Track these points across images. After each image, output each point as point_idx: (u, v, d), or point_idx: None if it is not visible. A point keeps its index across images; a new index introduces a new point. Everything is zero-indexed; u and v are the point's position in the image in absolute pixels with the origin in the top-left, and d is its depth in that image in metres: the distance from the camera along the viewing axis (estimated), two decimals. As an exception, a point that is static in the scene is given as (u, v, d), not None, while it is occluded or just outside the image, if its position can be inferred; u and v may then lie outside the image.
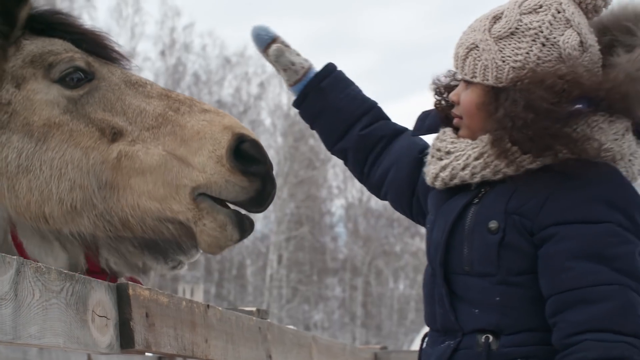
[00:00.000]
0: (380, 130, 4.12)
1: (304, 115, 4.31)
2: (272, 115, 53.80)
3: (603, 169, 3.47)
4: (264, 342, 5.20)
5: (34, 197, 3.90)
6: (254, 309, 5.44)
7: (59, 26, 4.23)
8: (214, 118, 3.93)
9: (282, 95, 53.68)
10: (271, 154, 52.47)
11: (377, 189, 4.18)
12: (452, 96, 3.68)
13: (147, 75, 49.42)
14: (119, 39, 48.28)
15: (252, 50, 62.61)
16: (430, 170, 3.69)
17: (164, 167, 3.85)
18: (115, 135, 3.92)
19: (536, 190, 3.44)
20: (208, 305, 4.38)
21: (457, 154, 3.61)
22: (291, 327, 6.50)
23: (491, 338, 3.48)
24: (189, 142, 3.85)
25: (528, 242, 3.45)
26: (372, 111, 4.17)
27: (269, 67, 52.42)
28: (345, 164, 4.31)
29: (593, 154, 3.41)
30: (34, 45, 4.12)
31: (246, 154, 3.86)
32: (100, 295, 3.44)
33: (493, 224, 3.49)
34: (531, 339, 3.45)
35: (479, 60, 3.55)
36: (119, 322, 3.56)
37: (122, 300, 3.58)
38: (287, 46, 4.24)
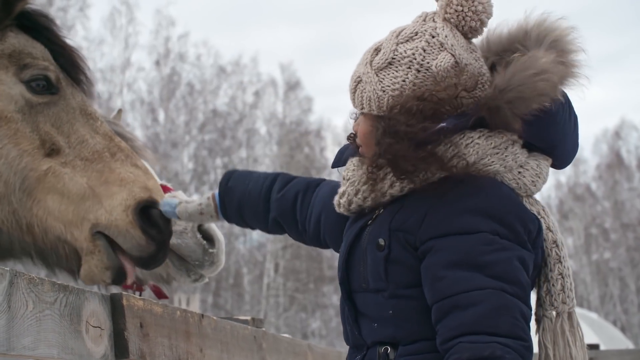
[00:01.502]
0: (294, 188, 4.28)
1: (229, 216, 4.41)
2: (268, 123, 53.74)
3: (480, 182, 3.55)
4: (259, 351, 5.20)
5: None
6: (249, 317, 5.45)
7: (44, 31, 4.42)
8: (140, 175, 4.20)
9: (278, 104, 53.71)
10: (267, 162, 52.47)
11: (317, 240, 4.30)
12: (354, 127, 3.84)
13: (141, 85, 49.43)
14: (113, 49, 48.16)
15: (247, 59, 62.18)
16: (335, 198, 3.87)
17: (80, 197, 4.09)
18: (52, 151, 4.14)
19: (417, 207, 3.56)
20: (202, 315, 4.38)
21: (352, 179, 3.78)
22: (286, 335, 6.50)
23: (389, 349, 3.61)
24: (110, 185, 4.12)
25: (413, 256, 3.55)
26: (278, 178, 4.35)
27: (264, 76, 51.96)
28: (288, 234, 4.45)
29: (461, 171, 3.52)
30: (16, 40, 4.32)
31: (152, 219, 4.13)
32: (94, 306, 3.45)
33: (381, 241, 3.61)
34: (426, 347, 3.52)
35: (364, 92, 3.69)
36: (113, 333, 3.56)
37: (116, 311, 3.59)
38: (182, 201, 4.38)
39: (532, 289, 3.67)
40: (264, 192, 4.31)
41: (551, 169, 3.84)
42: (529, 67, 3.54)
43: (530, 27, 3.75)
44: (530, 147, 3.72)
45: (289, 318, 49.97)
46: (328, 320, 53.90)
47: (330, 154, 55.46)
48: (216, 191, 4.41)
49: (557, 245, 3.72)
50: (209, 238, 4.95)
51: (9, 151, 4.11)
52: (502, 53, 3.77)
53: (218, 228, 5.06)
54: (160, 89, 50.39)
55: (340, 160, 4.05)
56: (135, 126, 46.07)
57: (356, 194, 3.75)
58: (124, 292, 3.66)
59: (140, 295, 4.44)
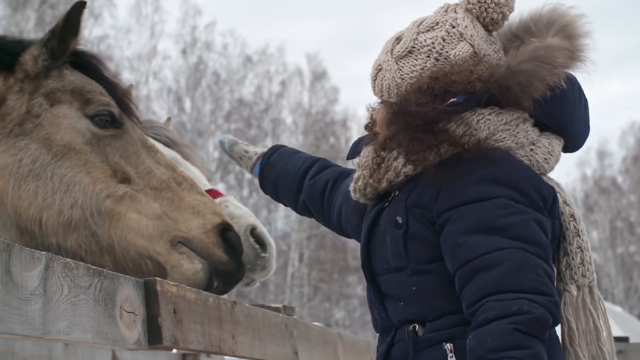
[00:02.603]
0: (326, 176, 4.44)
1: (266, 188, 4.72)
2: (294, 113, 53.75)
3: (492, 153, 3.60)
4: (290, 339, 5.19)
5: (36, 201, 4.21)
6: (280, 305, 5.43)
7: (96, 69, 4.65)
8: (208, 202, 4.42)
9: (304, 94, 53.70)
10: (292, 152, 52.38)
11: (339, 229, 4.46)
12: (373, 115, 3.91)
13: (167, 74, 49.47)
14: (139, 38, 48.35)
15: (274, 48, 62.41)
16: (351, 185, 3.95)
17: (157, 217, 4.24)
18: (124, 180, 4.32)
19: (432, 182, 3.60)
20: (235, 302, 4.37)
21: (366, 164, 3.85)
22: (317, 324, 6.48)
23: (417, 327, 3.63)
24: (183, 212, 4.31)
25: (431, 231, 3.60)
26: (317, 163, 4.53)
27: (291, 66, 52.08)
28: (315, 218, 4.61)
29: (473, 147, 3.58)
30: (74, 78, 4.52)
31: (229, 241, 4.35)
32: (128, 291, 3.43)
33: (398, 219, 3.67)
34: (453, 321, 3.54)
35: (384, 80, 3.80)
36: (146, 318, 3.55)
37: (150, 296, 3.58)
38: (239, 141, 4.82)
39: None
40: (300, 174, 4.47)
41: (571, 161, 3.86)
42: (540, 52, 3.62)
43: (541, 14, 3.84)
44: (541, 127, 3.78)
45: (313, 308, 50.03)
46: (352, 310, 53.94)
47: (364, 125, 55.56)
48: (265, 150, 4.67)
49: (574, 219, 3.76)
50: (261, 243, 5.03)
51: (81, 179, 4.26)
52: (513, 38, 3.88)
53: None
54: (186, 78, 50.48)
55: (355, 152, 4.09)
56: (162, 115, 46.13)
57: (371, 176, 3.79)
58: (157, 278, 3.64)
59: None
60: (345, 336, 6.85)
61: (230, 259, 4.33)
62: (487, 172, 3.53)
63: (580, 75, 3.78)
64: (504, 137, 3.66)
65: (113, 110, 4.51)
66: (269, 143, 52.29)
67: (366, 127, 3.97)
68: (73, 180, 4.24)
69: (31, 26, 38.32)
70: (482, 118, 3.65)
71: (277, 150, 4.71)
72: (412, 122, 3.58)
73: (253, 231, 5.00)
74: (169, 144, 5.77)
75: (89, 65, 4.65)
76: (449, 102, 3.63)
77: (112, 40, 46.29)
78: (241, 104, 52.22)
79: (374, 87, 3.88)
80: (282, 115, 53.82)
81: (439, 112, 3.58)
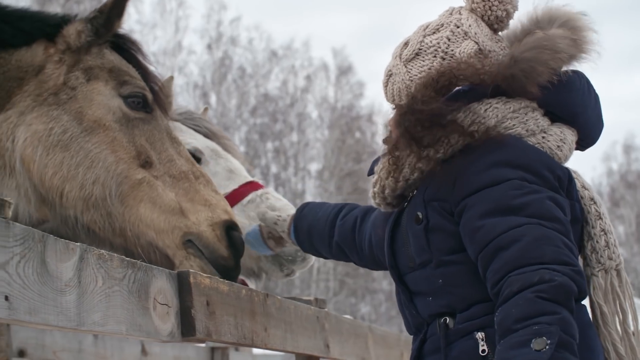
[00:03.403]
0: (355, 213, 4.53)
1: (302, 241, 4.78)
2: (319, 107, 53.72)
3: (502, 139, 3.63)
4: (321, 332, 5.19)
5: (61, 171, 4.29)
6: (312, 298, 5.43)
7: (134, 54, 4.77)
8: (220, 200, 4.50)
9: (329, 88, 53.68)
10: (318, 147, 52.51)
11: (373, 261, 4.49)
12: (389, 123, 3.96)
13: (192, 68, 49.57)
14: (164, 33, 48.49)
15: (299, 43, 62.52)
16: (370, 191, 3.99)
17: (171, 209, 4.32)
18: (146, 163, 4.38)
19: (447, 175, 3.63)
20: (267, 294, 4.37)
21: (382, 168, 3.89)
22: (348, 316, 6.48)
23: (448, 319, 3.64)
24: (195, 204, 4.38)
25: (450, 222, 3.62)
26: (346, 207, 4.64)
27: (316, 60, 52.23)
28: (352, 260, 4.66)
29: (483, 135, 3.61)
30: (114, 57, 4.62)
31: (232, 239, 4.40)
32: (162, 283, 3.43)
33: (419, 214, 3.70)
34: (482, 310, 3.54)
35: (394, 85, 3.87)
36: (180, 310, 3.55)
37: (183, 288, 3.57)
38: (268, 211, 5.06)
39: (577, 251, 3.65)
40: (331, 218, 4.59)
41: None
42: (542, 40, 3.67)
43: (539, 14, 3.89)
44: (552, 118, 3.80)
45: (339, 302, 50.02)
46: (378, 305, 53.95)
47: (381, 139, 55.42)
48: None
49: (594, 202, 3.78)
50: None
51: (106, 156, 4.32)
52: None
53: None
54: (212, 72, 50.58)
55: (374, 169, 4.10)
56: (187, 110, 46.18)
57: (387, 177, 3.82)
58: (191, 270, 3.63)
59: None
60: (376, 329, 6.85)
61: (231, 256, 4.36)
62: (498, 157, 3.55)
63: (588, 68, 3.83)
64: (514, 125, 3.69)
65: (146, 94, 4.56)
66: (295, 138, 52.40)
67: (384, 141, 3.98)
68: (98, 157, 4.30)
69: (57, 22, 38.52)
70: (490, 107, 3.69)
71: (307, 205, 4.84)
72: (420, 117, 3.62)
73: None
74: (209, 135, 5.78)
75: (129, 49, 4.74)
76: (454, 90, 3.69)
77: (138, 35, 46.40)
78: (267, 98, 52.26)
79: (386, 94, 3.94)
80: (308, 110, 53.85)
81: (444, 105, 3.62)
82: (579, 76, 3.78)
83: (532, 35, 3.76)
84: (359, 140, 53.47)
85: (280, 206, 5.07)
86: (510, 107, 3.70)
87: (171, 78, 5.72)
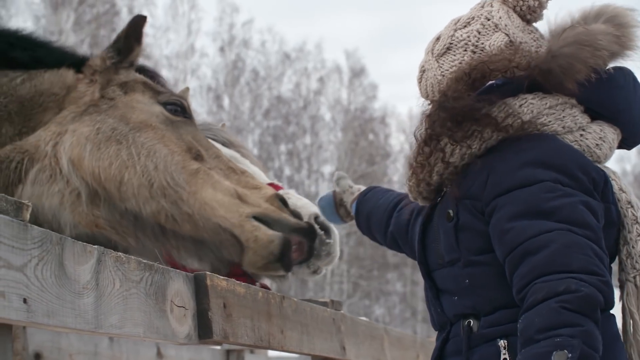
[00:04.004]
0: (412, 206, 4.35)
1: (360, 224, 4.80)
2: (332, 110, 53.71)
3: (536, 137, 3.57)
4: (337, 334, 5.19)
5: (118, 160, 4.26)
6: (327, 300, 5.43)
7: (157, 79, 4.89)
8: (268, 186, 4.53)
9: (342, 91, 53.67)
10: (331, 149, 52.51)
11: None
12: (423, 117, 3.88)
13: (205, 71, 49.61)
14: (177, 36, 48.55)
15: (312, 45, 62.41)
16: (405, 187, 3.96)
17: (230, 192, 4.29)
18: (198, 156, 4.41)
19: (480, 172, 3.57)
20: (283, 297, 4.37)
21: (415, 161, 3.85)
22: (364, 318, 6.48)
23: (472, 322, 3.60)
24: (249, 189, 4.39)
25: (481, 221, 3.56)
26: (406, 198, 4.42)
27: (329, 63, 52.22)
28: (404, 252, 4.59)
29: (517, 130, 3.57)
30: (143, 76, 4.73)
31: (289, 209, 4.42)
32: (179, 285, 3.43)
33: (450, 212, 3.66)
34: (507, 316, 3.48)
35: (427, 80, 3.85)
36: (197, 313, 3.55)
37: (200, 291, 3.58)
38: (347, 177, 5.07)
39: (612, 258, 3.63)
40: (390, 208, 4.54)
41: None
42: (581, 36, 3.59)
43: (591, 10, 3.79)
44: (593, 116, 3.71)
45: (353, 305, 50.02)
46: (392, 307, 53.95)
47: (395, 141, 55.39)
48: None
49: (632, 206, 3.67)
50: (325, 229, 5.04)
51: (160, 149, 4.33)
52: None
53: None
54: (225, 75, 50.63)
55: None
56: (201, 112, 46.29)
57: (421, 171, 3.77)
58: (207, 272, 3.63)
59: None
60: (392, 331, 6.85)
61: (296, 219, 4.36)
62: (531, 156, 3.48)
63: (634, 66, 3.73)
64: (550, 121, 3.61)
65: (184, 102, 4.63)
66: (308, 140, 52.44)
67: (417, 135, 3.92)
68: (153, 148, 4.31)
69: (70, 25, 38.62)
70: (525, 102, 3.63)
71: (373, 189, 4.85)
72: (453, 111, 3.59)
73: (317, 219, 5.01)
74: (227, 144, 5.82)
75: (152, 76, 4.84)
76: (487, 84, 3.66)
77: (151, 39, 46.51)
78: (280, 101, 52.30)
79: (420, 90, 3.90)
80: (321, 112, 53.85)
81: (475, 101, 3.58)
82: (625, 73, 3.68)
83: (572, 29, 3.66)
84: (372, 143, 53.47)
85: (302, 204, 5.09)
86: (546, 103, 3.64)
87: (187, 89, 5.75)
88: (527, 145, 3.52)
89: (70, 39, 36.42)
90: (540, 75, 3.57)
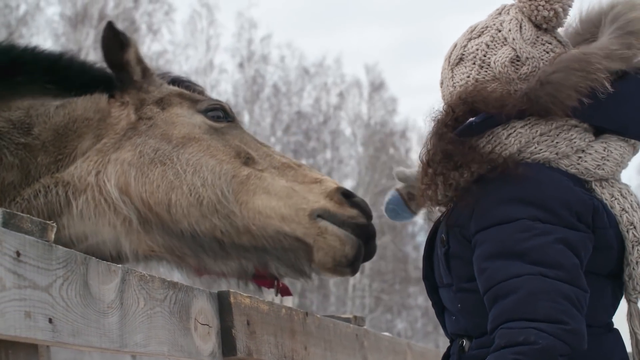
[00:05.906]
0: None
1: None
2: (352, 125, 53.67)
3: (521, 170, 3.48)
4: (361, 349, 5.19)
5: (164, 182, 4.24)
6: (351, 315, 5.43)
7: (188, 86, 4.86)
8: (328, 178, 4.50)
9: (362, 105, 53.62)
10: (352, 164, 52.49)
11: None
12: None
13: (225, 87, 49.72)
14: (196, 52, 48.69)
15: (331, 60, 62.37)
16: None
17: (286, 193, 4.27)
18: (248, 160, 4.37)
19: (468, 202, 3.53)
20: (307, 313, 4.38)
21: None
22: (386, 334, 6.47)
23: (465, 342, 3.62)
24: (307, 184, 4.33)
25: (469, 249, 3.52)
26: None
27: (348, 77, 52.09)
28: None
29: (501, 164, 3.49)
30: (175, 87, 4.70)
31: (352, 202, 4.38)
32: (203, 303, 3.45)
33: (443, 237, 3.64)
34: (491, 341, 3.43)
35: (445, 90, 3.79)
36: (220, 330, 3.56)
37: (224, 308, 3.59)
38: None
39: (617, 278, 3.60)
40: None
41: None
42: (572, 62, 3.51)
43: (608, 7, 3.72)
44: (602, 130, 3.62)
45: (375, 319, 49.92)
46: (414, 321, 53.80)
47: (416, 155, 55.28)
48: None
49: (634, 227, 3.57)
50: None
51: (207, 161, 4.31)
52: (589, 31, 3.78)
53: None
54: (244, 91, 50.72)
55: None
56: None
57: (429, 190, 3.70)
58: (231, 290, 3.65)
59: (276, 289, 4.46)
60: (415, 346, 6.85)
61: (360, 214, 4.34)
62: (510, 192, 3.44)
63: None
64: (540, 149, 3.54)
65: (224, 105, 4.61)
66: (328, 155, 52.37)
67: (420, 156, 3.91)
68: (199, 162, 4.28)
69: (90, 42, 38.79)
70: (514, 131, 3.55)
71: None
72: (440, 141, 3.58)
73: None
74: None
75: (188, 87, 4.82)
76: (467, 123, 3.57)
77: (171, 55, 46.67)
78: (300, 116, 52.29)
79: (441, 99, 3.84)
80: (341, 127, 53.79)
81: (464, 130, 3.55)
82: (628, 81, 3.56)
83: (567, 53, 3.59)
84: (392, 157, 53.37)
85: None
86: (537, 131, 3.55)
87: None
88: (509, 180, 3.46)
89: (90, 56, 36.59)
90: (527, 104, 3.50)
